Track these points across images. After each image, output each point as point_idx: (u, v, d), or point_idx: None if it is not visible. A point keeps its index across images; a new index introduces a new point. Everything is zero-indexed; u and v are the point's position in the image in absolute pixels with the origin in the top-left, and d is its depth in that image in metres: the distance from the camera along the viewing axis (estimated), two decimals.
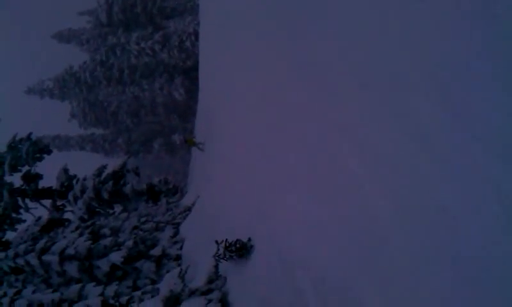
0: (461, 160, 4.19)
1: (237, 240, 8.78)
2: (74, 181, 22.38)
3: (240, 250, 8.68)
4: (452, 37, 4.70)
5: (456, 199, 4.10)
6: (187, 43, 45.11)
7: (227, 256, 8.80)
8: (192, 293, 8.71)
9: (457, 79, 4.45)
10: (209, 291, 8.81)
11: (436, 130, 4.60)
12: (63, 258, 13.87)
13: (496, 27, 4.01)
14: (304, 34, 9.87)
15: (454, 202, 4.08)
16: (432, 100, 4.78)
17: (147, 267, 13.42)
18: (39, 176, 21.88)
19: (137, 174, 23.37)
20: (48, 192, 22.08)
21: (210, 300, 8.22)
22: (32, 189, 21.47)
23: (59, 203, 22.08)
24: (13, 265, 14.86)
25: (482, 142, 4.00)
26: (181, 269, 9.79)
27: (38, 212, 20.90)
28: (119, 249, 13.69)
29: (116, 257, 13.28)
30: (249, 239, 8.88)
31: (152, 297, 10.22)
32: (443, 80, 4.70)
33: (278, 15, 12.18)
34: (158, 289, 9.60)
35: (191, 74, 45.39)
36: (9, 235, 19.32)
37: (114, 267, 13.54)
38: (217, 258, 8.98)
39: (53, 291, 13.06)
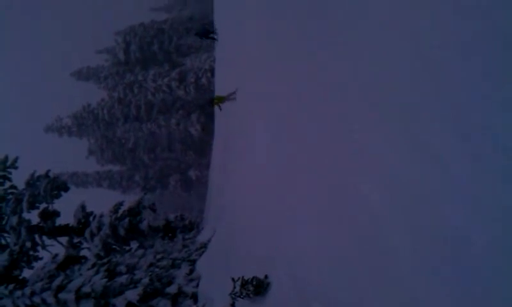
0: (472, 183, 4.14)
1: (254, 277, 8.63)
2: (91, 218, 22.43)
3: (257, 287, 8.52)
4: (465, 62, 4.65)
5: (467, 221, 4.08)
6: (203, 80, 45.74)
7: (244, 294, 8.64)
8: None
9: (470, 103, 4.40)
10: None
11: (447, 153, 4.55)
12: (79, 296, 13.78)
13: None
14: (315, 55, 9.90)
15: (468, 226, 4.05)
16: (444, 122, 4.73)
17: (163, 304, 13.26)
18: (56, 213, 21.99)
19: (154, 210, 23.39)
20: (65, 229, 22.14)
21: None
22: (50, 226, 21.56)
23: (75, 240, 22.11)
24: (29, 303, 14.78)
25: (492, 167, 3.95)
26: None
27: (54, 249, 20.91)
28: (135, 287, 13.57)
29: (133, 295, 13.16)
30: (266, 276, 8.72)
31: None
32: (454, 102, 4.64)
33: (292, 53, 12.27)
34: None
35: (206, 110, 45.84)
36: (26, 273, 19.31)
37: (130, 305, 13.39)
38: (233, 296, 8.82)
39: None
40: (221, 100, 20.59)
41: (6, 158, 21.28)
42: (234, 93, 19.48)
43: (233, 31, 24.19)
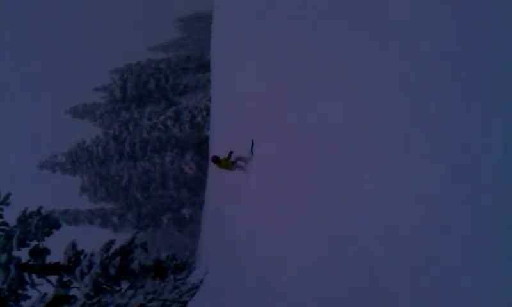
0: (462, 224, 4.21)
1: None
2: (82, 257, 22.12)
3: None
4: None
5: (458, 262, 4.12)
6: (199, 119, 46.03)
7: None
8: None
9: (460, 142, 4.46)
10: None
11: (441, 196, 4.59)
12: None
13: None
14: (310, 98, 9.98)
15: (458, 268, 4.09)
16: (437, 163, 4.78)
17: None
18: (47, 251, 21.68)
19: (145, 249, 23.12)
20: (55, 268, 21.78)
21: None
22: (39, 264, 21.22)
23: (65, 278, 21.73)
24: None
25: (481, 206, 4.01)
26: None
27: (43, 288, 20.54)
28: None
29: None
30: None
31: None
32: (444, 140, 4.71)
33: (288, 94, 12.41)
34: None
35: (201, 148, 45.99)
36: None
37: None
38: None
39: None
40: (228, 165, 15.81)
41: None
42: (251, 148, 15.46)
43: (228, 71, 24.49)
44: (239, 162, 16.03)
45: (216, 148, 29.97)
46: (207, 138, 39.90)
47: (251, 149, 15.36)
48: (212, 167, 32.06)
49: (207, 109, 43.14)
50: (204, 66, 53.58)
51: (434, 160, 4.90)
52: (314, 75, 9.86)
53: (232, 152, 15.56)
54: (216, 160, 15.46)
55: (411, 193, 5.22)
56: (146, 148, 50.18)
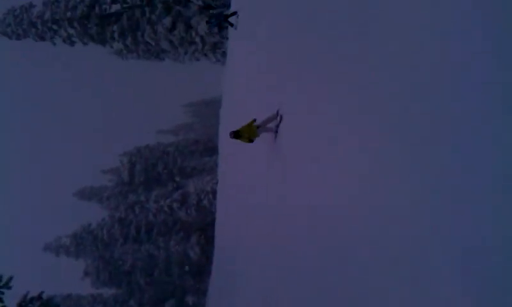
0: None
1: None
2: None
3: None
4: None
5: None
6: (205, 202, 45.78)
7: None
8: None
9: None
10: None
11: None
12: None
13: None
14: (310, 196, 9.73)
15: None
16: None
17: None
18: None
19: None
20: None
21: None
22: None
23: None
24: None
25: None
26: None
27: None
28: None
29: None
30: None
31: None
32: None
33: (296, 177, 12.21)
34: None
35: (207, 233, 45.33)
36: None
37: None
38: None
39: None
40: (251, 131, 12.90)
41: (0, 277, 20.53)
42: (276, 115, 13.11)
43: (236, 153, 24.56)
44: (268, 126, 13.17)
45: (222, 233, 29.51)
46: (213, 222, 39.41)
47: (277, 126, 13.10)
48: (218, 253, 31.35)
49: (214, 192, 42.97)
50: (212, 150, 54.18)
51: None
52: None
53: (255, 119, 12.90)
54: (237, 134, 12.68)
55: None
56: (151, 231, 49.57)
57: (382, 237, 5.49)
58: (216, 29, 28.56)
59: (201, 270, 46.66)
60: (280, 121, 12.79)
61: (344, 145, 7.11)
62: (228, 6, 29.95)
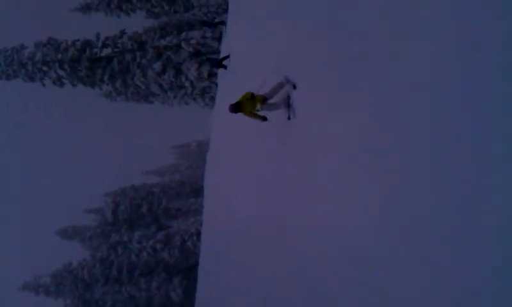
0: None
1: None
2: None
3: None
4: None
5: None
6: (189, 243, 45.70)
7: None
8: None
9: None
10: None
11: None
12: None
13: None
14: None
15: None
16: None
17: None
18: None
19: None
20: None
21: None
22: None
23: None
24: None
25: None
26: None
27: None
28: None
29: None
30: None
31: None
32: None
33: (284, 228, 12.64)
34: None
35: (189, 274, 45.10)
36: None
37: None
38: None
39: None
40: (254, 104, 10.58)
41: None
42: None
43: (222, 195, 24.94)
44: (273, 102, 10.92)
45: (205, 275, 29.51)
46: (196, 264, 39.34)
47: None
48: (200, 293, 31.19)
49: (198, 234, 43.04)
50: (197, 191, 54.40)
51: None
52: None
53: (252, 94, 10.54)
54: (237, 106, 10.35)
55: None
56: (133, 272, 49.08)
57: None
58: (207, 72, 30.48)
59: None
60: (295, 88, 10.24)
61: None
62: (218, 52, 31.49)
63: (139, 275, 48.97)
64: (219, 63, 26.08)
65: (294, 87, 10.27)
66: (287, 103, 10.40)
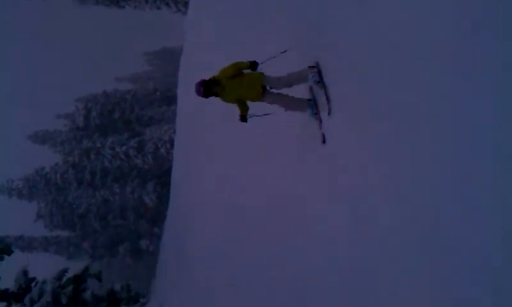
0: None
1: None
2: (33, 284, 21.47)
3: None
4: None
5: None
6: (162, 150, 45.90)
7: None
8: None
9: None
10: None
11: None
12: None
13: None
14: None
15: None
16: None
17: None
18: None
19: (99, 279, 22.64)
20: (3, 295, 21.04)
21: None
22: None
23: (14, 306, 20.99)
24: None
25: None
26: None
27: None
28: None
29: None
30: None
31: None
32: None
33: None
34: None
35: (163, 180, 45.71)
36: None
37: None
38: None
39: None
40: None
41: None
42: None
43: (194, 102, 24.81)
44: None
45: (178, 180, 30.00)
46: (169, 170, 39.82)
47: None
48: (173, 198, 31.88)
49: (171, 142, 43.17)
50: (171, 99, 53.82)
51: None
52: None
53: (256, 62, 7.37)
54: (211, 85, 7.25)
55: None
56: (106, 177, 49.47)
57: None
58: None
59: (157, 216, 47.33)
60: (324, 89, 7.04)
61: None
62: None
63: (112, 180, 49.42)
64: None
65: (321, 82, 7.02)
66: (326, 95, 6.93)
